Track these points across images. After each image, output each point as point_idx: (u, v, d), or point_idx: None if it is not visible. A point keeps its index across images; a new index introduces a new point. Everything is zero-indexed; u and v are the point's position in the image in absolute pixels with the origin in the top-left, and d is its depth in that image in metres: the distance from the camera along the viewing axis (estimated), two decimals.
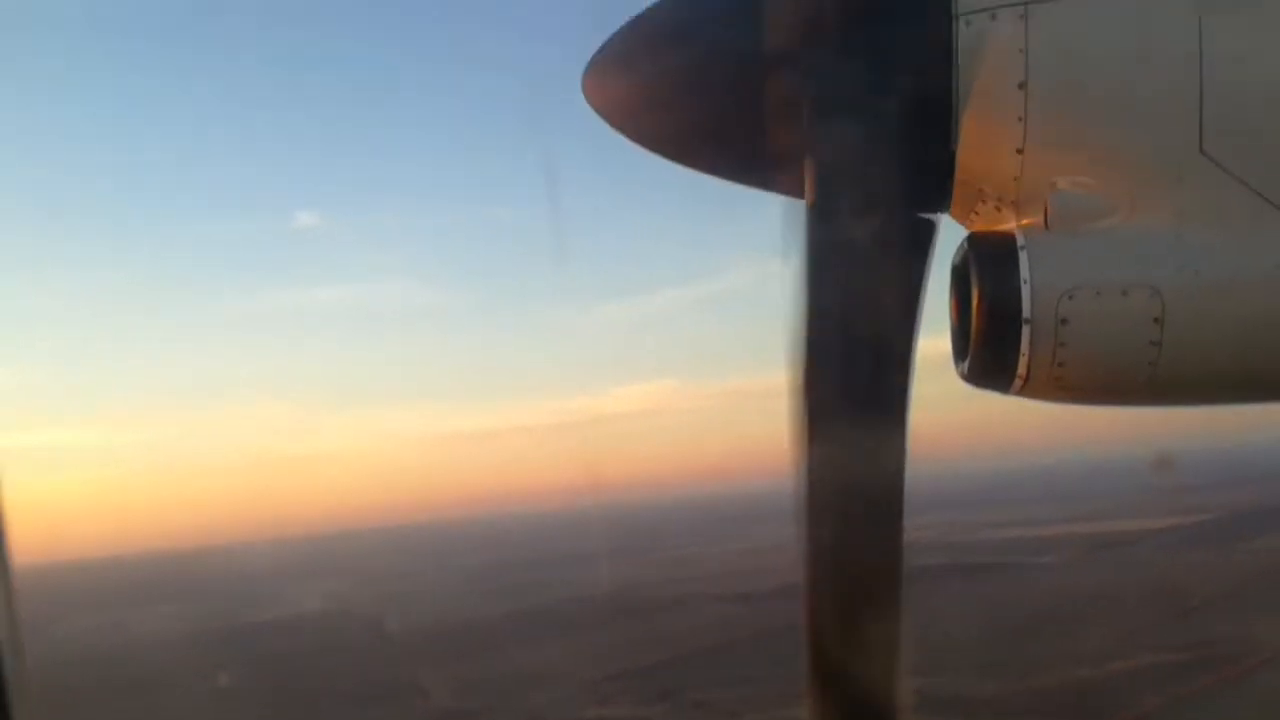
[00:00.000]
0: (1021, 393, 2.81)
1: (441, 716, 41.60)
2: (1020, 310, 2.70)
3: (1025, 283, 2.70)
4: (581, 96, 3.11)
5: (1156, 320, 2.68)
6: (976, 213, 3.01)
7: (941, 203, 3.00)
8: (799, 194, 2.76)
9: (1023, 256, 2.72)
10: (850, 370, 2.69)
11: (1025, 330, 2.71)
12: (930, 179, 2.90)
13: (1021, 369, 2.75)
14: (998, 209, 2.94)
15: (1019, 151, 2.76)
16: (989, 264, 2.78)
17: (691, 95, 2.97)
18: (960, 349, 2.91)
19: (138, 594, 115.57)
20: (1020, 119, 2.73)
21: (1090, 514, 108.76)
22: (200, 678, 56.76)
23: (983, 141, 2.80)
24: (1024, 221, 2.85)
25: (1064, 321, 2.68)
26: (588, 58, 3.06)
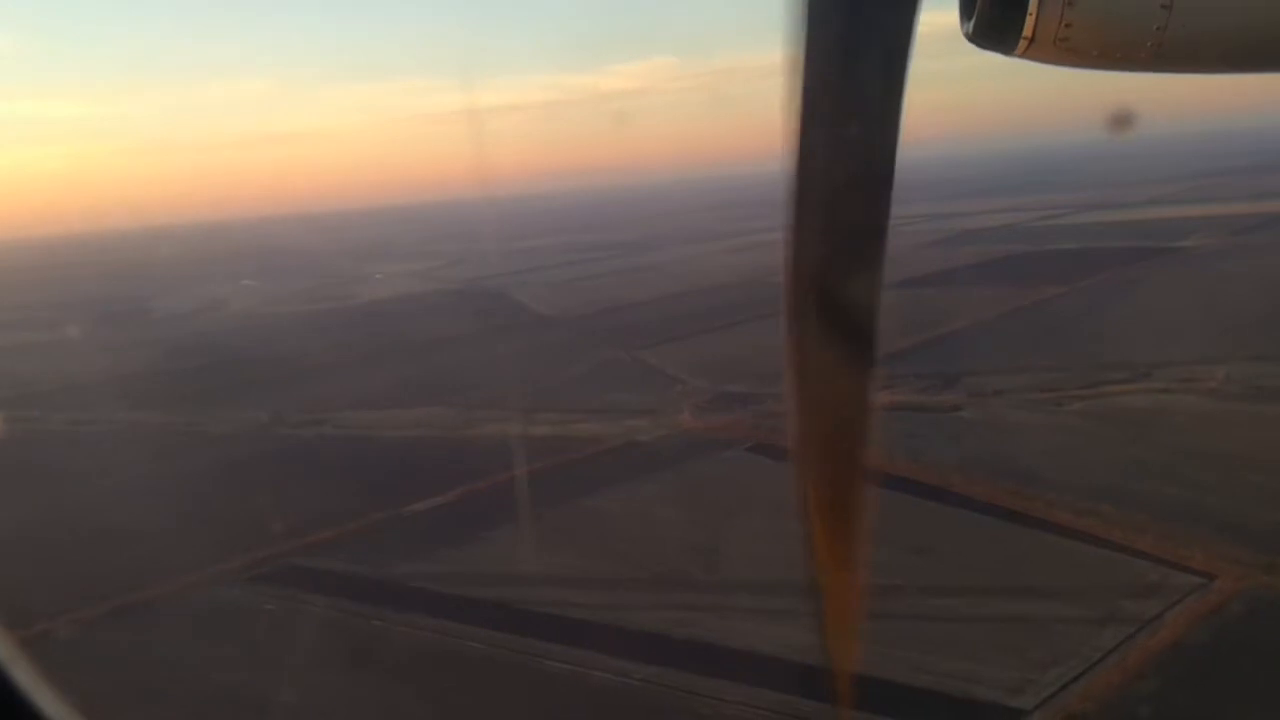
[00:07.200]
0: (1025, 54, 2.76)
1: (719, 402, 39.47)
2: None
3: None
4: None
5: None
6: None
7: None
8: None
9: None
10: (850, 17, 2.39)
11: None
12: None
13: (1028, 29, 2.69)
14: None
15: None
16: None
17: None
18: (967, 7, 2.83)
19: (214, 267, 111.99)
20: None
21: (1175, 196, 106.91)
22: (387, 354, 54.49)
23: None
24: None
25: None
26: None
